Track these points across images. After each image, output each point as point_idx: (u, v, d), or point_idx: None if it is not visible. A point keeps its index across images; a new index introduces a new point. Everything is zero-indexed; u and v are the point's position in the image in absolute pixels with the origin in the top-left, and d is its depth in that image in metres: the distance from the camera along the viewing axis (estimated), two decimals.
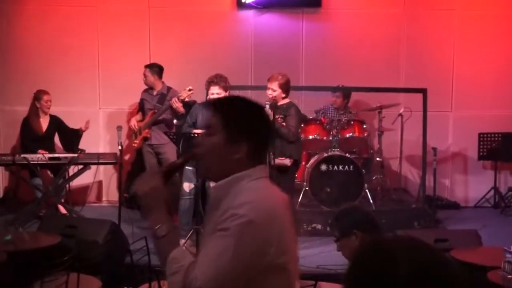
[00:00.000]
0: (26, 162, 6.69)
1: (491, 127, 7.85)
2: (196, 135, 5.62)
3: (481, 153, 7.84)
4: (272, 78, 5.82)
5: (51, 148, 7.15)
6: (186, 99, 6.44)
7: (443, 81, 8.03)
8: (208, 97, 5.89)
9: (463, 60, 8.07)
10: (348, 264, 1.25)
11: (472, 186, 8.16)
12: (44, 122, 7.29)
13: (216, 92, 5.72)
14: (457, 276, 1.18)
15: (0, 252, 4.23)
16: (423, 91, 6.72)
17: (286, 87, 5.82)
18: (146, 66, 7.07)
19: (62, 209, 6.98)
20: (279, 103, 5.82)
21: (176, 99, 6.44)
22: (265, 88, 5.88)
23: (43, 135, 7.23)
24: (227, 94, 5.85)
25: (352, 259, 1.24)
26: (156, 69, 7.03)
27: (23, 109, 7.45)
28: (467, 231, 5.34)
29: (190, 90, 6.35)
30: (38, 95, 7.18)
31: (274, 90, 5.77)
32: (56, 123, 7.36)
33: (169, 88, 7.04)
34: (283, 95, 5.83)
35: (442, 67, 8.08)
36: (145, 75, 7.03)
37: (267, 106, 5.64)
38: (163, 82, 7.07)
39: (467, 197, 8.15)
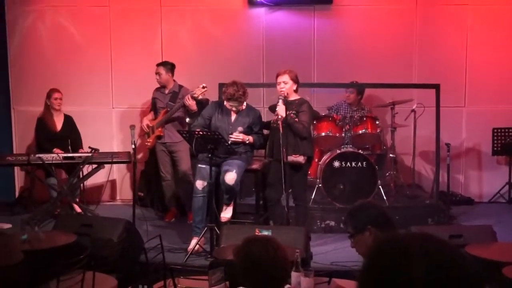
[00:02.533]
0: (41, 162, 6.75)
1: (505, 122, 7.81)
2: (208, 133, 5.65)
3: (495, 148, 7.80)
4: (281, 72, 5.82)
5: (66, 147, 7.19)
6: (200, 97, 6.46)
7: (456, 76, 7.99)
8: (225, 104, 5.92)
9: (476, 55, 8.02)
10: (363, 261, 1.25)
11: (486, 181, 8.12)
12: (59, 121, 7.35)
13: (235, 105, 5.84)
14: (473, 272, 1.18)
15: (17, 252, 4.27)
16: (436, 87, 6.69)
17: (296, 80, 5.81)
18: (159, 64, 7.05)
19: (77, 208, 7.03)
20: (291, 99, 5.81)
21: (189, 97, 6.46)
22: (276, 80, 5.88)
23: (58, 133, 7.29)
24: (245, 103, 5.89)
25: (368, 256, 1.25)
26: (169, 66, 7.04)
27: (37, 110, 7.51)
28: (482, 227, 5.31)
29: (204, 87, 6.36)
30: (48, 93, 7.29)
31: (286, 82, 5.76)
32: (70, 123, 7.41)
33: (180, 86, 7.05)
34: (294, 88, 5.82)
35: (455, 62, 8.04)
36: (159, 73, 7.01)
37: (280, 101, 5.65)
38: (174, 80, 7.09)
39: (481, 193, 8.11)
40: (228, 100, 5.83)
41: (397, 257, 1.18)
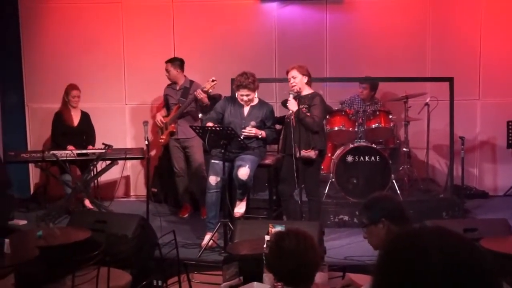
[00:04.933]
0: (56, 159, 6.79)
1: None
2: (220, 128, 5.65)
3: (510, 141, 7.73)
4: (290, 68, 5.83)
5: (81, 143, 7.22)
6: (210, 91, 6.48)
7: (470, 68, 7.93)
8: (237, 96, 5.92)
9: (490, 47, 7.95)
10: (378, 254, 1.24)
11: (501, 175, 8.06)
12: (76, 116, 7.39)
13: (245, 94, 5.81)
14: (488, 265, 1.17)
15: (32, 248, 4.30)
16: (450, 80, 6.64)
17: (305, 72, 5.79)
18: (167, 61, 7.04)
19: (89, 204, 7.07)
20: (303, 93, 5.80)
21: (200, 91, 6.48)
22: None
23: (74, 129, 7.32)
24: (255, 93, 5.89)
25: (384, 249, 1.24)
26: (178, 63, 7.04)
27: (51, 106, 7.56)
28: (497, 220, 5.28)
29: (213, 81, 6.38)
30: (67, 90, 7.32)
31: (295, 77, 5.75)
32: (87, 119, 7.46)
33: (191, 82, 7.05)
34: (305, 80, 5.80)
35: (469, 55, 7.97)
36: (167, 71, 7.01)
37: (291, 96, 5.65)
38: (185, 76, 7.09)
39: (496, 186, 8.05)
40: (238, 88, 5.82)
41: (414, 251, 1.18)
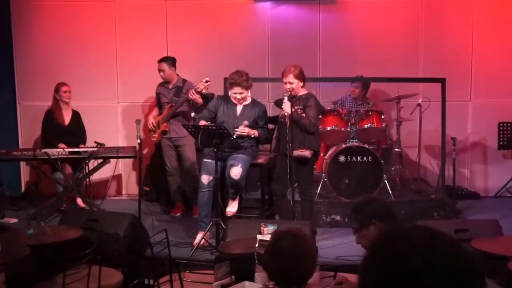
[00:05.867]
0: (47, 157, 6.77)
1: (511, 116, 7.77)
2: (213, 127, 5.65)
3: (501, 142, 7.77)
4: (286, 72, 5.82)
5: (72, 142, 7.20)
6: (204, 91, 6.46)
7: (462, 69, 7.97)
8: (230, 94, 5.91)
9: (482, 49, 7.98)
10: (364, 253, 1.25)
11: (492, 175, 8.10)
12: (67, 115, 7.38)
13: (238, 92, 5.80)
14: (474, 265, 1.18)
15: (23, 246, 4.28)
16: (442, 81, 6.67)
17: (301, 76, 5.82)
18: (161, 61, 7.00)
19: (80, 203, 7.05)
20: (298, 94, 5.83)
21: (194, 92, 6.46)
22: (282, 80, 5.88)
23: (65, 128, 7.31)
24: (249, 92, 5.89)
25: (371, 246, 1.25)
26: (171, 61, 7.02)
27: (43, 104, 7.54)
28: (488, 221, 5.30)
29: (207, 81, 6.36)
30: (56, 87, 7.33)
31: (291, 82, 5.77)
32: (78, 119, 7.44)
33: (184, 81, 7.04)
34: (301, 84, 5.84)
35: (461, 56, 8.01)
36: (162, 70, 6.97)
37: (286, 98, 5.66)
38: (177, 75, 7.08)
39: (487, 187, 8.09)
40: (231, 86, 5.82)
41: (400, 248, 1.18)
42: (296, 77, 5.78)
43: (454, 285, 1.13)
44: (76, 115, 7.44)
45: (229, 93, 5.92)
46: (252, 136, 5.86)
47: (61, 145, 6.98)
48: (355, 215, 3.23)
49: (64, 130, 7.29)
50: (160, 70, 6.99)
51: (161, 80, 7.11)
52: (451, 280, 1.13)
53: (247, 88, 5.85)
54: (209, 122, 5.85)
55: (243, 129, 5.80)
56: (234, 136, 5.72)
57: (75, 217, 5.43)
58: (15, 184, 8.00)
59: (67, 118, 7.36)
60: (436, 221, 6.18)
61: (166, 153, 7.08)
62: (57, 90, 7.31)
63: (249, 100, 5.98)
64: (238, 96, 5.85)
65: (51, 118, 7.30)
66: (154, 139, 7.09)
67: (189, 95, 6.50)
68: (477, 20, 7.98)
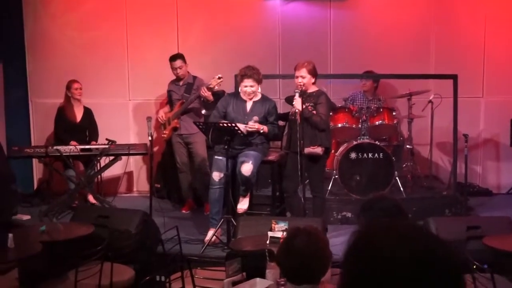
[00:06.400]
0: (59, 154, 6.80)
1: None
2: (225, 125, 5.65)
3: None
4: (299, 66, 5.80)
5: (84, 139, 7.23)
6: (216, 88, 6.45)
7: (474, 66, 7.91)
8: (240, 89, 5.91)
9: (494, 44, 7.92)
10: (345, 246, 1.25)
11: (505, 172, 8.05)
12: (79, 112, 7.40)
13: (249, 85, 5.80)
14: (451, 262, 1.17)
15: (36, 243, 4.31)
16: (454, 77, 6.63)
17: (314, 72, 5.80)
18: (176, 57, 6.95)
19: (92, 200, 7.08)
20: (309, 91, 5.81)
21: (205, 88, 6.44)
22: (293, 77, 5.86)
23: (77, 124, 7.34)
24: (259, 86, 5.89)
25: (354, 236, 1.25)
26: (184, 57, 7.01)
27: (54, 102, 7.57)
28: (500, 218, 5.27)
29: (219, 78, 6.34)
30: (68, 84, 7.35)
31: (303, 77, 5.75)
32: (90, 115, 7.46)
33: (194, 77, 7.03)
34: (313, 81, 5.82)
35: (472, 52, 7.96)
36: (179, 67, 6.90)
37: (297, 95, 5.64)
38: (188, 72, 7.07)
39: (499, 184, 8.04)
40: (242, 78, 5.80)
41: (384, 237, 1.19)
42: (309, 72, 5.76)
43: (433, 279, 1.13)
44: (88, 112, 7.47)
45: (240, 87, 5.91)
46: (262, 131, 5.85)
47: (73, 142, 7.01)
48: (364, 213, 3.21)
49: (76, 127, 7.32)
50: (176, 68, 6.94)
51: (172, 78, 7.10)
52: (431, 275, 1.13)
53: (258, 81, 5.84)
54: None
55: (252, 125, 5.79)
56: (244, 132, 5.72)
57: (86, 214, 5.46)
58: (28, 181, 8.05)
59: (78, 115, 7.39)
60: (448, 218, 6.15)
61: (176, 150, 7.09)
62: (68, 87, 7.34)
63: (259, 96, 5.97)
64: (249, 90, 5.83)
65: (62, 115, 7.34)
66: (165, 135, 7.09)
67: (201, 92, 6.50)
68: (489, 16, 7.93)
